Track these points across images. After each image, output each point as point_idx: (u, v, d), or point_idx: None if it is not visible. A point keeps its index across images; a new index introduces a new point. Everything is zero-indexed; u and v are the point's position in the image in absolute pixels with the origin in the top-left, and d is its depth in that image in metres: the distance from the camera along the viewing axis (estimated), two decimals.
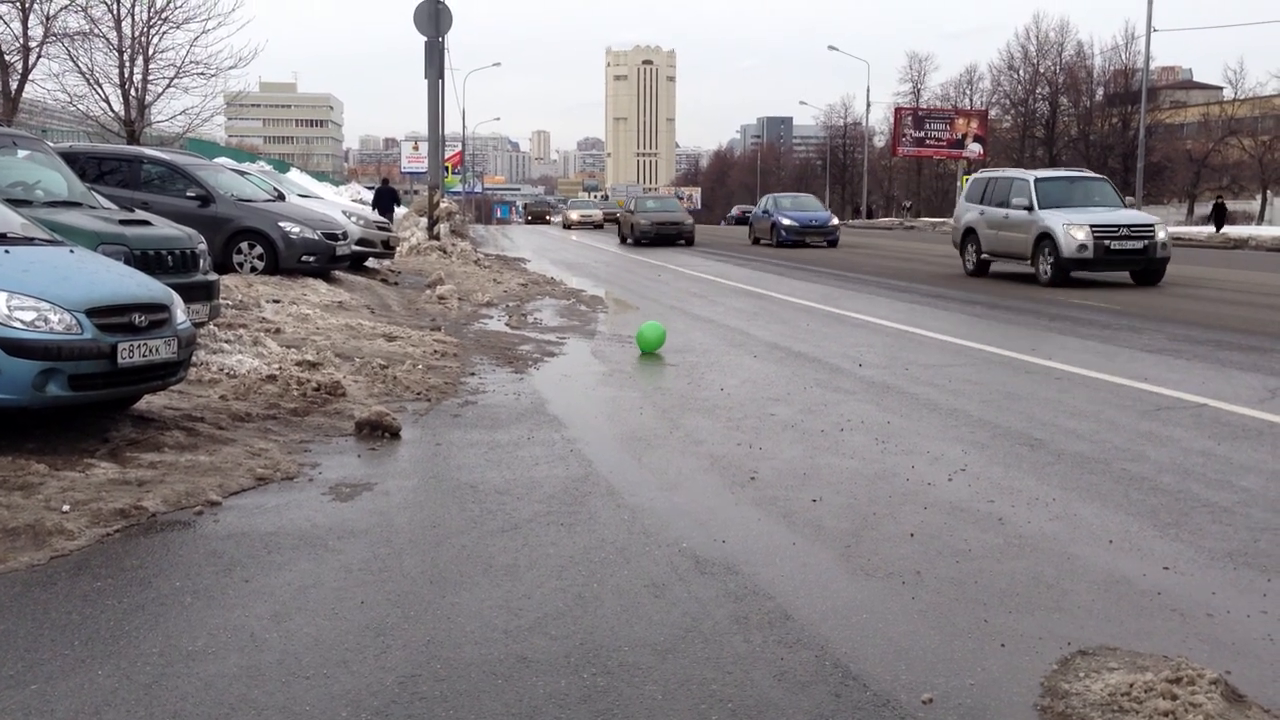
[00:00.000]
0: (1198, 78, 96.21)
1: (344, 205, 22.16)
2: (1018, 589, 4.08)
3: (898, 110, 71.79)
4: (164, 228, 8.96)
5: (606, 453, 6.32)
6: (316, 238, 14.32)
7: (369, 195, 41.37)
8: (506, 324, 12.58)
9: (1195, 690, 3.08)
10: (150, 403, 6.71)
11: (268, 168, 29.41)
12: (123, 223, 8.58)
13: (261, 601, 3.92)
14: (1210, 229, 43.18)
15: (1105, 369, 9.21)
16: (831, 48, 69.24)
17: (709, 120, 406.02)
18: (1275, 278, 20.34)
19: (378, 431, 6.54)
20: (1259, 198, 63.62)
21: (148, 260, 8.07)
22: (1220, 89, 74.04)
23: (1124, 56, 67.85)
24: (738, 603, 3.93)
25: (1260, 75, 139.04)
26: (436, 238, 24.33)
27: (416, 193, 47.58)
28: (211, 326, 8.75)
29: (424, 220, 25.51)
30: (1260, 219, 58.68)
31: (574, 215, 65.07)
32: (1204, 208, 66.33)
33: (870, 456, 6.20)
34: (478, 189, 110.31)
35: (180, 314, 6.37)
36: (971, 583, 4.15)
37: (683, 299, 16.03)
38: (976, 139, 67.33)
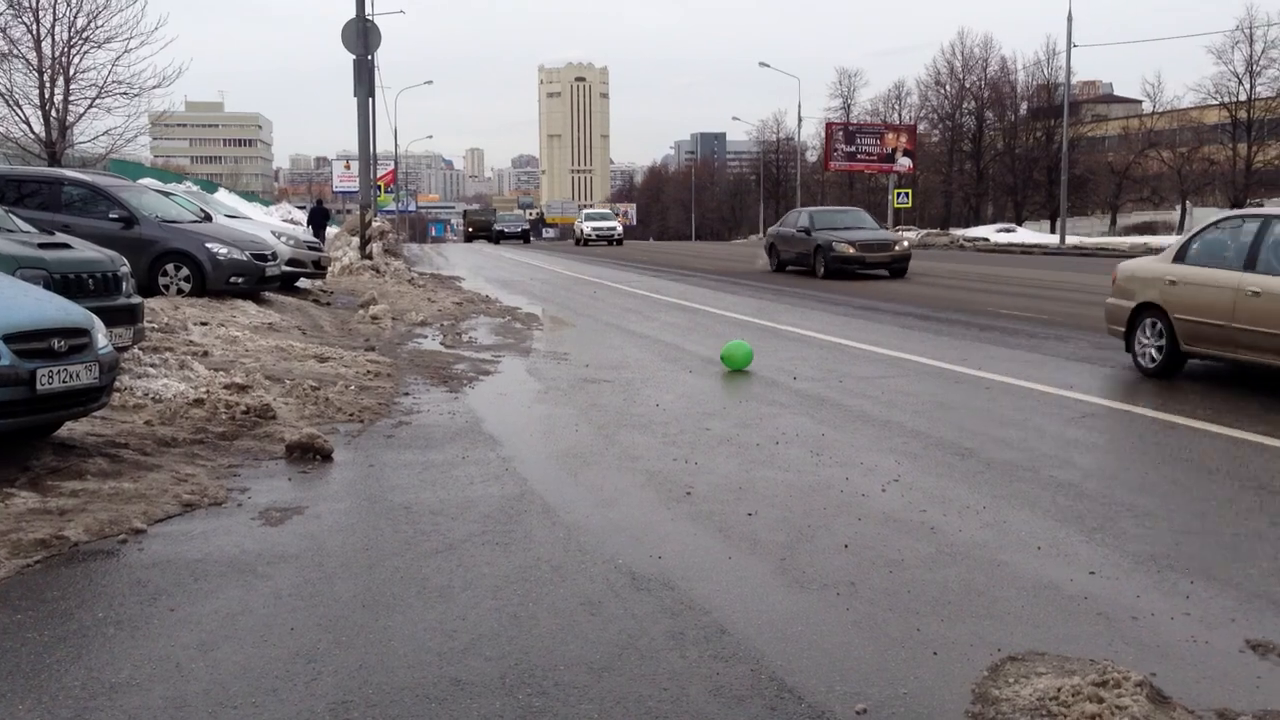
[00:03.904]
0: (1118, 92, 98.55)
1: (274, 225, 21.89)
2: (949, 597, 4.13)
3: (829, 125, 72.54)
4: (85, 250, 8.77)
5: (542, 470, 6.30)
6: (245, 259, 14.11)
7: (300, 215, 40.93)
8: (441, 343, 12.49)
9: (1121, 693, 3.13)
10: (72, 429, 6.55)
11: (194, 188, 28.98)
12: (42, 246, 8.39)
13: (188, 631, 3.84)
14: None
15: (1033, 378, 9.38)
16: (763, 64, 69.86)
17: (643, 137, 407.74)
18: None
19: (309, 454, 6.45)
20: (1178, 209, 65.25)
21: (68, 284, 7.89)
22: (1140, 102, 75.89)
23: (1046, 71, 69.33)
24: (674, 618, 3.92)
25: (1177, 89, 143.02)
26: (369, 257, 24.09)
27: (349, 212, 47.13)
28: (136, 350, 8.57)
29: (356, 240, 25.25)
30: (1180, 229, 60.15)
31: (588, 229, 57.23)
32: (1126, 219, 67.96)
33: (805, 469, 6.24)
34: (412, 207, 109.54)
35: (102, 338, 6.23)
36: (904, 592, 4.19)
37: (619, 315, 16.04)
38: (906, 153, 68.21)
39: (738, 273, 27.19)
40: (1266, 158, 58.75)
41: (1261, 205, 42.58)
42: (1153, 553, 4.63)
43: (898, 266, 24.13)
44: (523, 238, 68.16)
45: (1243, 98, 58.99)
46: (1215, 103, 60.94)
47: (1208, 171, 62.70)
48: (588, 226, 57.78)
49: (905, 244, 25.83)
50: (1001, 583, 4.29)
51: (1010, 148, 72.33)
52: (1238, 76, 58.97)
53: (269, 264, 14.71)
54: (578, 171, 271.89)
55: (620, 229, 58.32)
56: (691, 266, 31.11)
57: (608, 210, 69.74)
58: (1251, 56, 58.26)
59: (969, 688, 3.33)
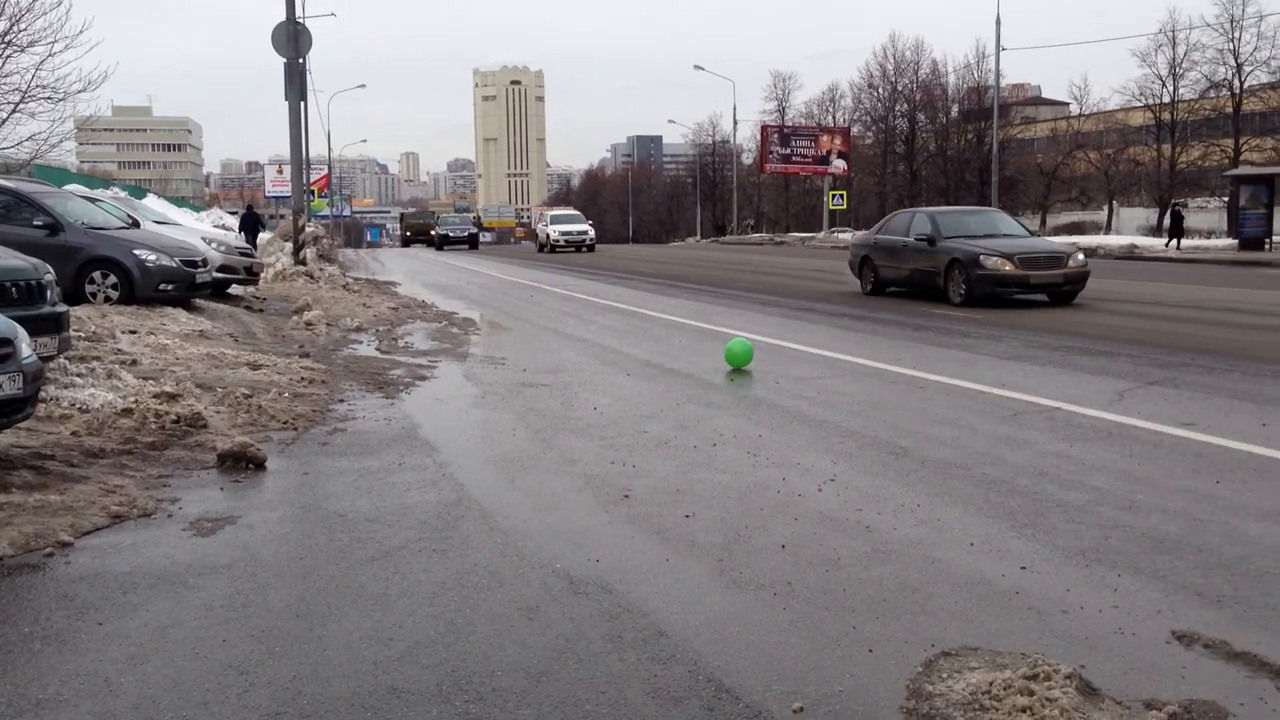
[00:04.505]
0: (1046, 95, 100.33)
1: (204, 231, 21.55)
2: (885, 595, 4.17)
3: (764, 128, 73.12)
4: (7, 258, 8.55)
5: (479, 476, 6.26)
6: (174, 265, 13.88)
7: (232, 220, 40.32)
8: (377, 349, 12.38)
9: (1051, 685, 3.19)
10: None
11: (122, 194, 28.48)
12: None
13: (116, 645, 3.77)
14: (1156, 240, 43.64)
15: (966, 376, 9.52)
16: (698, 67, 70.39)
17: (580, 140, 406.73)
18: (1128, 285, 21.28)
19: (241, 463, 6.35)
20: (1106, 209, 66.64)
21: None
22: (1067, 105, 77.38)
23: (976, 74, 70.34)
24: (611, 622, 3.92)
25: (1104, 91, 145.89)
26: (303, 263, 23.81)
27: (282, 217, 46.51)
28: (61, 360, 8.38)
29: (289, 245, 24.94)
30: (1107, 229, 61.45)
31: (555, 233, 49.45)
32: (1056, 219, 69.22)
33: (742, 470, 6.27)
34: (346, 212, 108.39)
35: (25, 348, 6.08)
36: (840, 591, 4.23)
37: (556, 319, 16.01)
38: (841, 155, 68.99)
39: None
40: (1190, 158, 60.17)
41: (1185, 205, 43.67)
42: (1082, 547, 4.72)
43: (1069, 289, 16.87)
44: (469, 243, 60.43)
45: (1166, 100, 60.38)
46: (1140, 105, 62.31)
47: (1133, 172, 64.12)
48: (554, 230, 49.82)
49: (1081, 258, 17.51)
50: (935, 579, 4.34)
51: (942, 149, 73.35)
52: (1161, 79, 60.37)
53: (199, 270, 14.48)
54: (514, 175, 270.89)
55: (592, 233, 50.66)
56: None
57: (576, 212, 57.90)
58: (1174, 59, 59.68)
59: (904, 684, 3.37)
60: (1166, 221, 45.79)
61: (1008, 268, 16.48)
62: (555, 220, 52.13)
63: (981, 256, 16.61)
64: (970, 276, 16.61)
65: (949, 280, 17.11)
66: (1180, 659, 3.56)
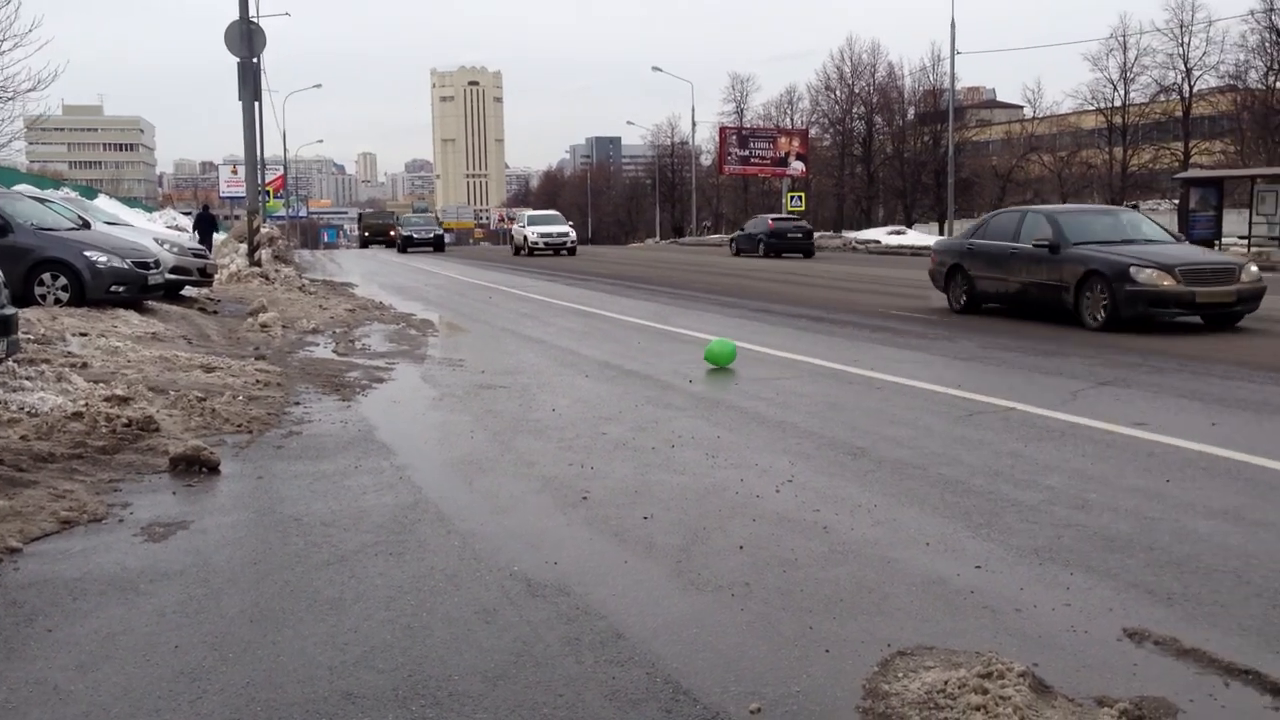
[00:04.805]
0: (1000, 98, 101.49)
1: (157, 232, 21.27)
2: (842, 595, 4.20)
3: (722, 129, 73.33)
4: None
5: (437, 479, 6.23)
6: (126, 267, 13.70)
7: (186, 221, 39.89)
8: (333, 351, 12.27)
9: (1005, 683, 3.22)
10: None
11: (73, 194, 28.08)
12: None
13: (66, 652, 3.71)
14: None
15: (923, 377, 9.59)
16: (656, 69, 70.51)
17: (539, 141, 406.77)
18: None
19: (194, 467, 6.27)
20: None
21: None
22: (1021, 108, 78.34)
23: (932, 77, 70.97)
24: (569, 624, 3.91)
25: (1056, 95, 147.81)
26: (258, 264, 23.59)
27: (237, 218, 46.06)
28: (10, 363, 8.24)
29: (244, 246, 24.70)
30: None
31: (533, 235, 45.47)
32: None
33: (700, 471, 6.28)
34: (303, 213, 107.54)
35: None
36: (798, 591, 4.24)
37: (514, 320, 15.96)
38: (799, 157, 69.35)
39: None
40: (1141, 161, 61.16)
41: (1137, 207, 44.29)
42: (1035, 546, 4.77)
43: (1240, 309, 13.59)
44: (435, 245, 54.95)
45: (1118, 103, 61.32)
46: (1092, 108, 63.22)
47: (1086, 174, 65.06)
48: (532, 232, 45.77)
49: (1255, 270, 13.96)
50: (892, 579, 4.37)
51: (899, 152, 73.91)
52: (1113, 83, 61.29)
53: (152, 272, 14.31)
54: (473, 176, 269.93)
55: (574, 235, 46.85)
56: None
57: (555, 213, 53.38)
58: (1125, 63, 60.64)
59: (860, 684, 3.39)
60: None
61: (1167, 282, 13.02)
62: (533, 221, 47.94)
63: (1133, 268, 13.16)
64: (1116, 293, 13.20)
65: (1082, 297, 13.74)
66: (1131, 656, 3.61)
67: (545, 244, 44.79)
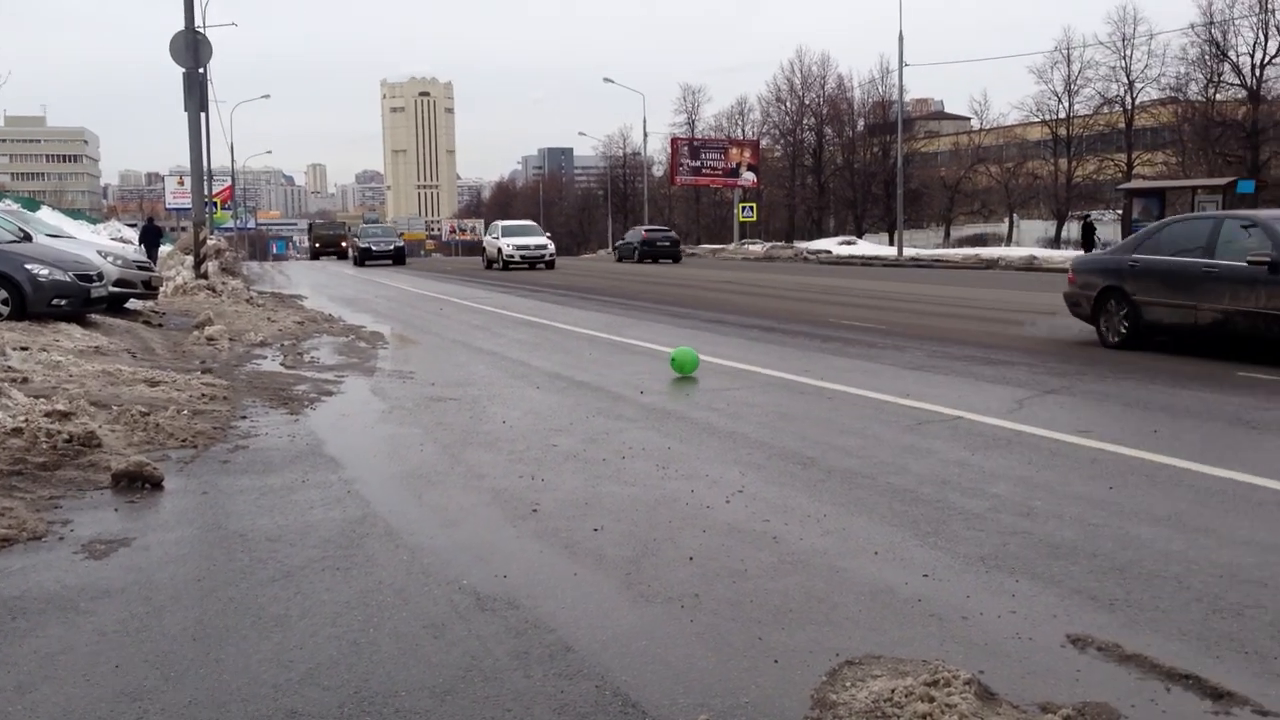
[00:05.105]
0: (949, 110, 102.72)
1: (101, 244, 20.93)
2: (791, 605, 4.21)
3: (674, 140, 73.71)
4: None
5: (386, 492, 6.17)
6: (68, 280, 13.47)
7: (131, 233, 39.35)
8: (281, 364, 12.14)
9: (951, 691, 3.24)
10: None
11: (14, 206, 27.62)
12: None
13: (4, 672, 3.62)
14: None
15: (872, 387, 9.66)
16: (608, 80, 70.53)
17: (491, 152, 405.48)
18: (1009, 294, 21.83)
19: (137, 483, 6.17)
20: (1007, 221, 68.40)
21: None
22: (969, 119, 79.35)
23: (881, 89, 71.78)
24: (518, 638, 3.89)
25: (1003, 107, 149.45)
26: (204, 276, 23.28)
27: (184, 229, 45.42)
28: None
29: (190, 258, 24.37)
30: (1009, 240, 63.06)
31: (508, 247, 41.76)
32: (959, 231, 70.86)
33: (651, 483, 6.28)
34: (251, 224, 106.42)
35: None
36: (748, 602, 4.25)
37: (465, 332, 15.89)
38: (750, 168, 69.86)
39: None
40: (1085, 172, 62.19)
41: (1088, 217, 44.99)
42: (982, 554, 4.82)
43: None
44: (395, 258, 50.39)
45: (1062, 115, 62.30)
46: (1038, 120, 64.19)
47: (1032, 185, 66.07)
48: (507, 244, 41.99)
49: None
50: (841, 589, 4.39)
51: (849, 163, 74.66)
52: (1057, 95, 62.31)
53: (95, 285, 14.09)
54: (424, 187, 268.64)
55: (552, 247, 43.42)
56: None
57: (531, 223, 49.82)
58: (1069, 76, 61.68)
59: (808, 694, 3.40)
60: (1076, 234, 47.15)
61: None
62: (508, 232, 43.89)
63: None
64: None
65: None
66: (1075, 662, 3.65)
67: (522, 257, 41.39)
